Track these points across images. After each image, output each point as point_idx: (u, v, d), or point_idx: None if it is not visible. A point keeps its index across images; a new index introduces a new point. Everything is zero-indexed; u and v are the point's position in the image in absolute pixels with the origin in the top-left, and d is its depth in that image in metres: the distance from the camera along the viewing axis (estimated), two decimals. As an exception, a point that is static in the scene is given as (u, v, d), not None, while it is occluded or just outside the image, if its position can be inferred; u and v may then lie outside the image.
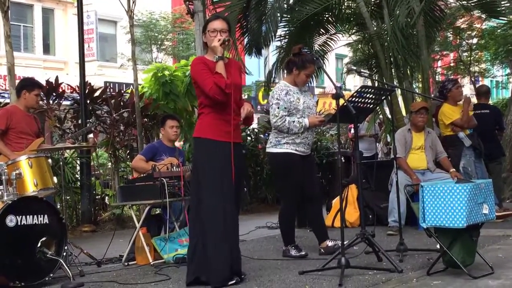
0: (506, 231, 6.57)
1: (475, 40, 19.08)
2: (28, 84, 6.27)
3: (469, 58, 19.41)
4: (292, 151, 5.65)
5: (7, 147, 5.96)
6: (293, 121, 5.60)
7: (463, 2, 9.23)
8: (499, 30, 18.19)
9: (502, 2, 8.94)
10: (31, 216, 4.95)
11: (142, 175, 6.25)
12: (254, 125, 13.42)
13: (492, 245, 5.82)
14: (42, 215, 5.02)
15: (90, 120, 9.19)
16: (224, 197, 4.62)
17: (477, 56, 20.39)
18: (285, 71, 5.94)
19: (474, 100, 8.90)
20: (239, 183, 4.88)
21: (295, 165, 5.66)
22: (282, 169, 5.76)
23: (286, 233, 5.85)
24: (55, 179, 5.71)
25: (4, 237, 4.75)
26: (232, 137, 4.71)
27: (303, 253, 5.69)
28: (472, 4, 9.24)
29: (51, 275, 4.97)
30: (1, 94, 9.48)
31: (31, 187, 5.38)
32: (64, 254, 5.18)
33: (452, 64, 21.40)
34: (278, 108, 5.63)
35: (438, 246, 4.69)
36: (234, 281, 4.54)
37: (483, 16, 13.33)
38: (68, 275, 4.92)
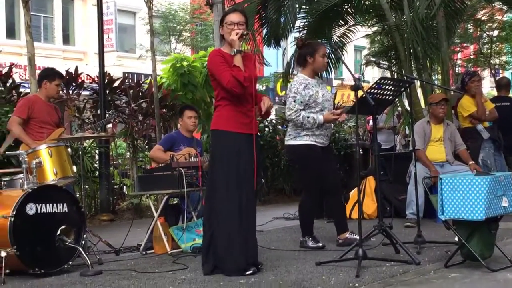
0: (525, 225, 6.52)
1: (495, 32, 18.88)
2: (50, 74, 6.32)
3: (489, 51, 19.22)
4: (312, 143, 5.64)
5: (28, 136, 6.02)
6: (308, 117, 5.57)
7: (484, -7, 9.13)
8: (520, 22, 17.99)
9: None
10: (50, 205, 4.99)
11: (160, 165, 6.28)
12: (272, 116, 13.41)
13: (511, 238, 5.78)
14: (61, 204, 5.07)
15: (110, 112, 9.26)
16: (241, 188, 4.64)
17: (497, 48, 20.17)
18: (300, 67, 5.90)
19: (494, 93, 8.82)
20: (257, 174, 4.89)
21: (316, 156, 5.64)
22: (303, 160, 5.76)
23: (305, 224, 5.85)
24: (74, 168, 5.76)
25: (24, 225, 4.80)
26: (250, 129, 4.73)
27: (320, 244, 5.69)
28: (493, -5, 9.15)
29: (70, 262, 5.02)
30: (22, 84, 9.52)
31: (50, 176, 5.43)
32: (83, 242, 5.23)
33: (472, 56, 21.21)
34: (294, 101, 5.62)
35: (456, 239, 4.66)
36: (251, 271, 4.56)
37: (504, 7, 13.19)
38: (87, 263, 4.96)
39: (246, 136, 4.72)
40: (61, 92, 9.69)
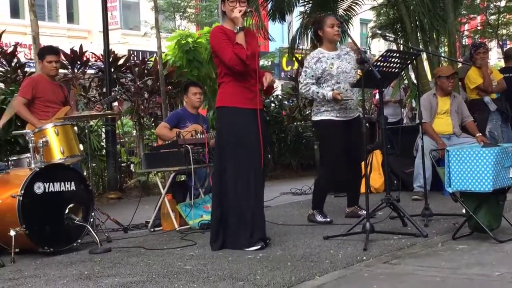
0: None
1: (503, 3, 18.68)
2: (40, 52, 6.32)
3: (497, 22, 19.03)
4: (332, 118, 5.63)
5: (34, 115, 6.01)
6: (317, 92, 5.58)
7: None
8: (528, -8, 17.79)
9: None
10: (58, 183, 5.01)
11: (166, 142, 6.28)
12: (278, 91, 13.39)
13: (518, 209, 5.78)
14: (69, 182, 5.08)
15: (116, 89, 9.24)
16: (250, 164, 4.66)
17: (505, 19, 19.98)
18: (318, 43, 5.89)
19: (502, 64, 8.75)
20: (264, 149, 4.89)
21: (336, 132, 5.61)
22: (322, 136, 5.87)
23: (317, 198, 5.84)
24: (81, 147, 5.76)
25: (33, 204, 4.82)
26: (255, 104, 4.74)
27: (328, 219, 5.69)
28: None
29: (79, 240, 5.05)
30: (27, 64, 9.53)
31: (57, 155, 5.43)
32: (91, 220, 5.25)
33: (479, 28, 21.01)
34: (306, 75, 5.65)
35: (463, 211, 4.65)
36: (259, 246, 4.58)
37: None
38: (96, 240, 4.99)
39: (251, 111, 4.72)
40: (66, 71, 9.70)
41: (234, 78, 4.69)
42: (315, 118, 5.77)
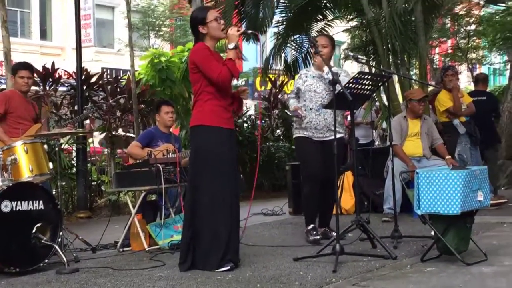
0: (501, 218, 6.59)
1: (473, 27, 19.01)
2: (13, 68, 6.30)
3: (466, 45, 19.35)
4: (302, 135, 5.85)
5: (4, 131, 5.94)
6: (290, 105, 5.95)
7: (461, -11, 9.19)
8: (497, 17, 18.11)
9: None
10: (26, 202, 4.94)
11: (138, 161, 6.24)
12: (251, 111, 13.43)
13: (486, 232, 5.84)
14: (37, 201, 5.01)
15: (87, 106, 9.17)
16: (225, 184, 4.66)
17: (474, 43, 20.32)
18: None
19: (472, 87, 8.89)
20: (237, 170, 4.92)
21: (307, 149, 5.81)
22: (297, 153, 6.30)
23: (307, 215, 5.94)
24: (50, 165, 5.70)
25: (-1, 223, 4.74)
26: (231, 124, 4.81)
27: (317, 237, 5.67)
28: (471, -10, 9.21)
29: (46, 260, 4.97)
30: (-2, 80, 9.49)
31: (26, 173, 5.36)
32: (59, 240, 5.18)
33: (449, 51, 21.33)
34: (292, 90, 6.04)
35: (432, 233, 4.69)
36: (229, 267, 4.55)
37: (481, 2, 13.29)
38: (63, 261, 4.92)
39: (227, 131, 4.74)
40: (37, 88, 9.62)
41: (213, 97, 4.68)
42: (293, 135, 6.07)
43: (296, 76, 6.18)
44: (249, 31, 4.81)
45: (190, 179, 4.87)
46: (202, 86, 4.68)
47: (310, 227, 5.78)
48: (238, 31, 4.73)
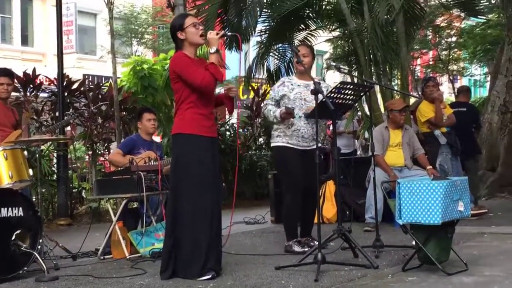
0: (481, 229, 6.64)
1: (454, 39, 19.22)
2: None
3: (448, 57, 19.55)
4: (284, 144, 5.69)
5: (-17, 138, 5.88)
6: (270, 110, 5.73)
7: (442, 1, 9.29)
8: (477, 29, 18.36)
9: (481, 1, 9.00)
10: (5, 209, 4.88)
11: (119, 168, 6.21)
12: (233, 120, 13.43)
13: (467, 242, 5.88)
14: (16, 208, 4.96)
15: (69, 112, 9.12)
16: (207, 192, 4.64)
17: (455, 55, 20.55)
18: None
19: (453, 98, 8.96)
20: (220, 178, 4.91)
21: (289, 158, 5.66)
22: (277, 162, 5.95)
23: (289, 227, 5.79)
24: (30, 172, 5.64)
25: (-22, 230, 4.69)
26: (212, 132, 4.80)
27: (306, 249, 5.53)
28: (452, 2, 9.31)
29: (26, 268, 4.91)
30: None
31: (6, 180, 5.29)
32: (39, 247, 5.12)
33: (431, 62, 21.54)
34: (268, 97, 5.91)
35: (413, 243, 4.71)
36: (210, 276, 4.53)
37: (462, 14, 13.44)
38: (43, 268, 4.86)
39: (209, 139, 4.73)
40: (18, 94, 9.54)
41: (194, 105, 4.67)
42: (272, 144, 5.89)
43: (276, 84, 6.02)
44: (229, 33, 4.80)
45: (171, 187, 4.85)
46: (184, 95, 4.67)
47: (292, 241, 5.69)
48: (217, 34, 4.73)
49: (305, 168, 5.60)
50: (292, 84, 5.80)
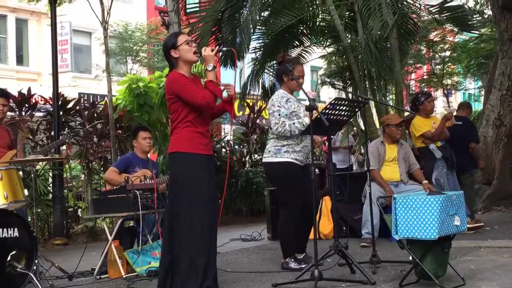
0: (478, 243, 6.62)
1: (447, 53, 19.33)
2: None
3: (442, 71, 19.65)
4: (292, 161, 5.62)
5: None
6: (293, 123, 5.57)
7: (435, 16, 9.34)
8: (471, 44, 18.48)
9: (474, 16, 9.06)
10: (0, 230, 4.87)
11: (115, 187, 6.19)
12: (229, 137, 13.45)
13: (463, 256, 5.86)
14: (12, 229, 4.95)
15: (64, 132, 9.12)
16: (204, 210, 4.62)
17: (449, 69, 20.66)
18: (279, 83, 5.94)
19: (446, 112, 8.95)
20: (216, 196, 4.90)
21: (296, 174, 5.62)
22: (284, 179, 5.71)
23: (286, 244, 5.73)
24: (26, 192, 5.64)
25: (-27, 251, 4.67)
26: (209, 150, 4.79)
27: (303, 265, 5.47)
28: (445, 17, 9.35)
29: (21, 289, 4.90)
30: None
31: (1, 200, 5.28)
32: (35, 267, 5.10)
33: (425, 77, 21.64)
34: (279, 115, 5.61)
35: (410, 258, 4.70)
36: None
37: (455, 29, 13.52)
38: (38, 289, 4.85)
39: (206, 157, 4.72)
40: (13, 114, 9.54)
41: (191, 124, 4.67)
42: (274, 159, 5.66)
43: (275, 98, 5.77)
44: (224, 48, 4.78)
45: (168, 206, 4.82)
46: (181, 115, 4.67)
47: (289, 258, 5.64)
48: (212, 50, 4.72)
49: (303, 185, 5.58)
50: (294, 101, 5.75)
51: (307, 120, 5.44)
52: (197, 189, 4.62)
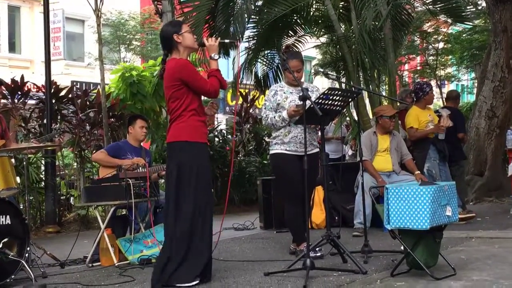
0: (469, 233, 6.67)
1: (441, 44, 19.34)
2: None
3: (435, 62, 19.67)
4: (282, 151, 5.69)
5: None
6: (274, 116, 5.68)
7: (429, 7, 9.34)
8: (464, 35, 18.50)
9: (467, 8, 9.06)
10: (-8, 217, 4.86)
11: (107, 175, 6.15)
12: (222, 126, 13.43)
13: (455, 246, 5.90)
14: (4, 216, 4.94)
15: (56, 127, 9.11)
16: (207, 199, 4.71)
17: (443, 60, 20.68)
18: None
19: (440, 103, 8.98)
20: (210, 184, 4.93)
21: (287, 165, 5.66)
22: (275, 169, 5.92)
23: (296, 232, 5.78)
24: (18, 179, 5.62)
25: (-35, 238, 4.66)
26: (206, 138, 4.88)
27: (318, 254, 5.45)
28: (438, 8, 9.36)
29: (13, 276, 4.88)
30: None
31: (-8, 187, 5.28)
32: (27, 255, 5.10)
33: (418, 68, 21.65)
34: (265, 108, 5.81)
35: (402, 248, 4.73)
36: (197, 281, 4.52)
37: (449, 20, 13.53)
38: (30, 276, 4.84)
39: (206, 146, 4.81)
40: (5, 101, 9.50)
41: (196, 113, 4.70)
42: (270, 152, 5.87)
43: (267, 91, 6.01)
44: (227, 40, 4.85)
45: (172, 194, 4.69)
46: (185, 102, 4.66)
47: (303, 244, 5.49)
48: (215, 40, 4.81)
49: (302, 174, 5.55)
50: (284, 92, 5.78)
51: (284, 115, 5.60)
52: (204, 177, 4.69)
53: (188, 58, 4.92)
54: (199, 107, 4.74)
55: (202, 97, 4.85)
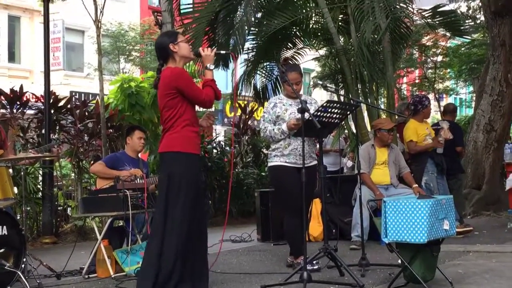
0: (467, 247, 6.65)
1: (439, 58, 19.40)
2: None
3: (433, 76, 19.71)
4: (281, 163, 5.66)
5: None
6: (273, 129, 5.65)
7: (428, 20, 9.37)
8: (463, 49, 18.56)
9: (466, 21, 9.09)
10: (-11, 227, 4.85)
11: (105, 186, 6.15)
12: (221, 137, 13.42)
13: (452, 260, 5.89)
14: (0, 226, 4.93)
15: (55, 137, 9.11)
16: (200, 211, 4.69)
17: (441, 73, 20.73)
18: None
19: (438, 117, 8.99)
20: (206, 196, 4.93)
21: (286, 177, 5.63)
22: (275, 181, 5.88)
23: (294, 245, 5.74)
24: (15, 190, 5.60)
25: (-39, 248, 4.64)
26: (200, 150, 4.87)
27: (316, 267, 5.45)
28: (437, 22, 9.39)
29: (9, 287, 4.86)
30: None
31: (-11, 198, 5.27)
32: (23, 266, 5.08)
33: (417, 81, 21.70)
34: (264, 120, 5.78)
35: (399, 261, 4.71)
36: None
37: (448, 34, 13.58)
38: (26, 287, 4.82)
39: (198, 157, 4.78)
40: (4, 111, 9.51)
41: (189, 123, 4.68)
42: (269, 164, 5.82)
43: (267, 104, 6.00)
44: (223, 52, 4.85)
45: (161, 204, 4.67)
46: (179, 112, 4.64)
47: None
48: (211, 50, 4.83)
49: (301, 186, 5.53)
50: (284, 105, 5.75)
51: (284, 127, 5.58)
52: (196, 189, 4.64)
53: (185, 67, 4.94)
54: (193, 117, 4.71)
55: (197, 108, 4.85)
